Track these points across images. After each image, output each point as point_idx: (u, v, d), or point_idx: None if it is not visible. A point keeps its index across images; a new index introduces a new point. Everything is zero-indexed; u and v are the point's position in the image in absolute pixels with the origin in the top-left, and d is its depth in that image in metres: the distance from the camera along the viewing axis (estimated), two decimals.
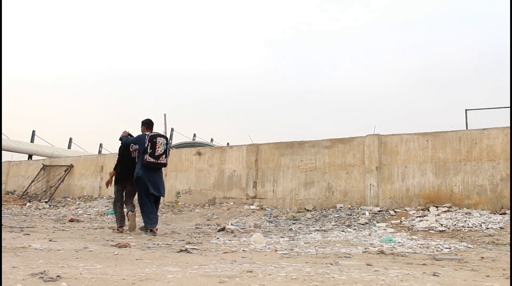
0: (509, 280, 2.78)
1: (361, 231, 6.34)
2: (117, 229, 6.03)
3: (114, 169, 6.43)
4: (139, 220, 6.32)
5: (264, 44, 57.07)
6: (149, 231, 5.73)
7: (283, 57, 58.16)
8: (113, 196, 6.45)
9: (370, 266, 3.21)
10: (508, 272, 3.12)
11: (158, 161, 5.87)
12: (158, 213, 6.20)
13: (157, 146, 5.85)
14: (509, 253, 4.30)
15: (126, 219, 6.11)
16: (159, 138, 5.92)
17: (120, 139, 6.39)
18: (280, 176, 9.61)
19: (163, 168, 6.17)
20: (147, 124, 6.19)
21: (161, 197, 6.19)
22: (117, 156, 6.49)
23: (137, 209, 6.23)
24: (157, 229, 5.86)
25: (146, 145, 5.84)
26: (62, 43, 54.83)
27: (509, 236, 5.53)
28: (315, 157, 9.26)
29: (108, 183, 6.47)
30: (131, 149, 6.22)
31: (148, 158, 5.81)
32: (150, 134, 5.94)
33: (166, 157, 5.96)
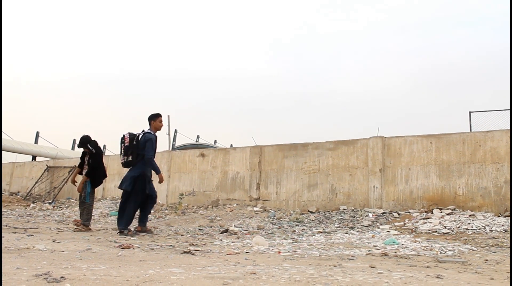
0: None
1: (364, 233, 6.33)
2: (84, 226, 6.41)
3: (86, 173, 6.65)
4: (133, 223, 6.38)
5: (268, 47, 57.18)
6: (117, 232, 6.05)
7: (287, 59, 58.23)
8: (86, 195, 6.59)
9: (373, 268, 3.20)
10: None
11: (122, 162, 6.21)
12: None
13: (121, 148, 6.19)
14: None
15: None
16: (122, 140, 6.18)
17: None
18: (284, 178, 9.61)
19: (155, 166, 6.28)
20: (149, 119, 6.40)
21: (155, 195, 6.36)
22: (96, 164, 6.66)
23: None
24: (129, 230, 6.00)
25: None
26: (66, 45, 55.13)
27: None
28: (318, 159, 9.26)
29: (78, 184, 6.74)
30: None
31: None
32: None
33: (124, 155, 6.15)
